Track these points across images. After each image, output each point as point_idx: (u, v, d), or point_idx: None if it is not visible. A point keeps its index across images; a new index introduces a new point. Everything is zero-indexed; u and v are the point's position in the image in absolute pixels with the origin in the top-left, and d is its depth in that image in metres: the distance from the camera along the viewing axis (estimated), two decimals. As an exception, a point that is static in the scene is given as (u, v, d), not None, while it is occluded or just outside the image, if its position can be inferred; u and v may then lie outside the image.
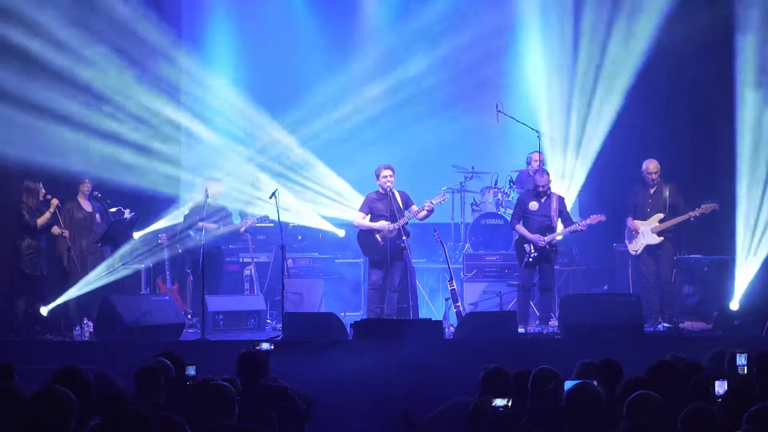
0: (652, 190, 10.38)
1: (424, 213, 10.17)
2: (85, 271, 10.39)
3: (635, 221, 10.37)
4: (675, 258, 10.44)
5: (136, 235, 10.78)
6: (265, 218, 11.08)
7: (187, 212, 11.33)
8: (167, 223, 11.47)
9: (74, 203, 10.59)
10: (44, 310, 9.99)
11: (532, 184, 10.49)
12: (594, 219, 10.24)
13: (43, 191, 10.18)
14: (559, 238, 10.42)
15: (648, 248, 10.29)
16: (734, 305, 9.99)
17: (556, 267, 11.31)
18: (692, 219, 10.14)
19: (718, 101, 11.35)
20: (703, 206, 10.07)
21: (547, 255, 10.21)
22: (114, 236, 10.35)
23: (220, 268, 11.30)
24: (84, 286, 10.15)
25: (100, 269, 10.30)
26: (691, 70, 11.55)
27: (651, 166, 10.38)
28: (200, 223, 10.73)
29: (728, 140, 10.88)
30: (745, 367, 5.78)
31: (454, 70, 12.90)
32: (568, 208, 10.61)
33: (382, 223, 10.13)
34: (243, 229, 11.24)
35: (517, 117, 12.05)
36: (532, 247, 10.14)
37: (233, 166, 12.20)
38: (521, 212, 10.35)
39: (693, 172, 11.39)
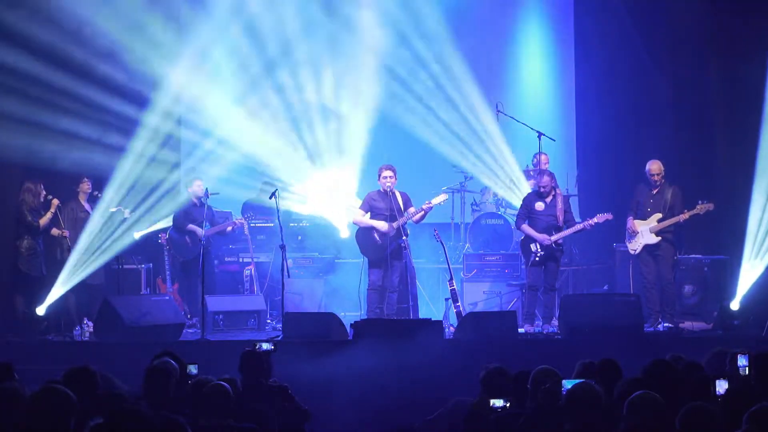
0: (654, 191, 10.39)
1: (420, 214, 10.18)
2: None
3: (635, 221, 10.37)
4: (675, 258, 10.44)
5: (137, 235, 10.76)
6: (251, 217, 11.12)
7: (175, 213, 11.32)
8: (167, 223, 11.46)
9: (76, 203, 10.60)
10: (40, 310, 9.98)
11: (536, 185, 10.50)
12: (601, 217, 10.25)
13: (44, 192, 10.18)
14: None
15: (647, 248, 10.29)
16: (735, 305, 9.99)
17: (556, 267, 11.33)
18: (681, 221, 10.13)
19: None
20: (697, 207, 10.08)
21: (553, 254, 10.23)
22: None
23: (212, 269, 11.26)
24: (70, 277, 10.13)
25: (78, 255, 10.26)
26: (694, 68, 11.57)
27: (654, 167, 10.39)
28: (190, 226, 10.72)
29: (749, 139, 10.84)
30: (747, 368, 5.77)
31: (455, 68, 12.89)
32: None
33: (381, 223, 10.13)
34: (230, 228, 11.22)
35: (518, 117, 12.06)
36: (538, 247, 10.16)
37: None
38: (526, 212, 10.37)
39: (693, 171, 11.39)
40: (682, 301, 10.63)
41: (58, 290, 10.10)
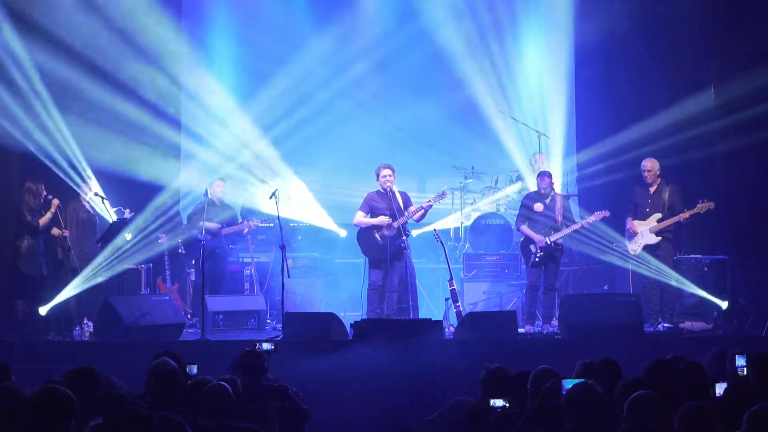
0: (652, 190, 10.40)
1: (421, 213, 10.18)
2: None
3: (634, 222, 10.38)
4: (675, 258, 10.43)
5: (128, 236, 10.72)
6: (269, 218, 11.11)
7: (190, 212, 11.34)
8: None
9: (78, 203, 10.59)
10: (43, 311, 9.98)
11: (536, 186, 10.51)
12: (599, 215, 10.25)
13: (45, 192, 10.17)
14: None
15: (647, 248, 10.30)
16: (723, 304, 10.02)
17: (556, 267, 11.33)
18: (682, 221, 10.13)
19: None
20: (698, 206, 10.08)
21: (552, 254, 10.24)
22: (114, 236, 10.33)
23: (222, 269, 11.30)
24: (81, 283, 10.13)
25: (96, 264, 10.27)
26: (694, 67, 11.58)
27: (647, 164, 10.42)
28: (201, 223, 10.72)
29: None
30: (745, 368, 5.78)
31: (455, 69, 12.90)
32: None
33: (381, 218, 10.13)
34: (246, 230, 11.26)
35: (518, 117, 12.05)
36: (537, 247, 10.17)
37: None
38: (526, 213, 10.37)
39: (693, 171, 11.39)
40: (682, 301, 10.62)
41: (67, 292, 10.10)
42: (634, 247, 10.36)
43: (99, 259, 10.30)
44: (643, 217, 10.37)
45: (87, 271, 10.19)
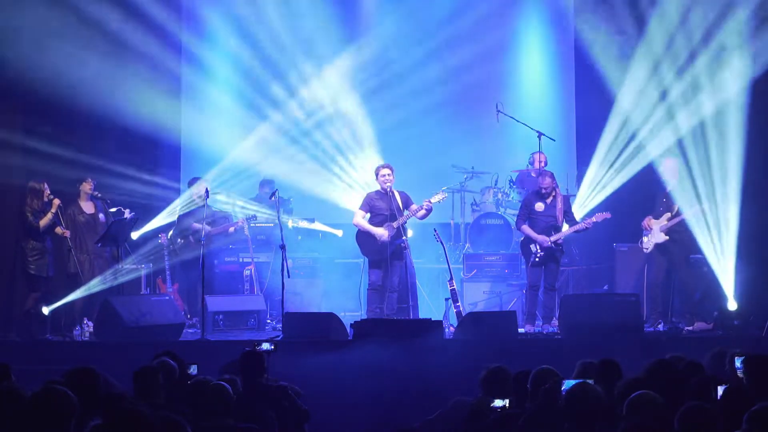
0: (668, 189, 10.43)
1: (422, 212, 10.18)
2: (92, 274, 10.36)
3: (652, 220, 10.39)
4: (689, 258, 10.40)
5: (134, 235, 10.73)
6: (253, 218, 11.13)
7: (176, 218, 11.32)
8: (163, 220, 11.47)
9: (75, 207, 10.54)
10: (46, 310, 9.99)
11: (537, 186, 10.50)
12: (599, 216, 10.27)
13: (48, 191, 10.16)
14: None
15: (658, 247, 10.31)
16: (732, 305, 10.01)
17: (556, 267, 11.32)
18: (684, 219, 10.16)
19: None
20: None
21: (553, 254, 10.24)
22: (114, 236, 10.32)
23: (211, 270, 11.27)
24: (88, 290, 10.15)
25: (107, 275, 10.31)
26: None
27: (665, 162, 10.47)
28: (194, 225, 10.72)
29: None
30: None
31: (455, 69, 12.90)
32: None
33: (379, 230, 10.11)
34: (232, 229, 11.25)
35: (518, 117, 12.05)
36: (538, 247, 10.17)
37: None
38: (527, 213, 10.38)
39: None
40: (683, 301, 10.61)
41: (74, 295, 10.12)
42: (647, 245, 10.38)
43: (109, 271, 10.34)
44: (657, 216, 10.40)
45: (95, 281, 10.21)
